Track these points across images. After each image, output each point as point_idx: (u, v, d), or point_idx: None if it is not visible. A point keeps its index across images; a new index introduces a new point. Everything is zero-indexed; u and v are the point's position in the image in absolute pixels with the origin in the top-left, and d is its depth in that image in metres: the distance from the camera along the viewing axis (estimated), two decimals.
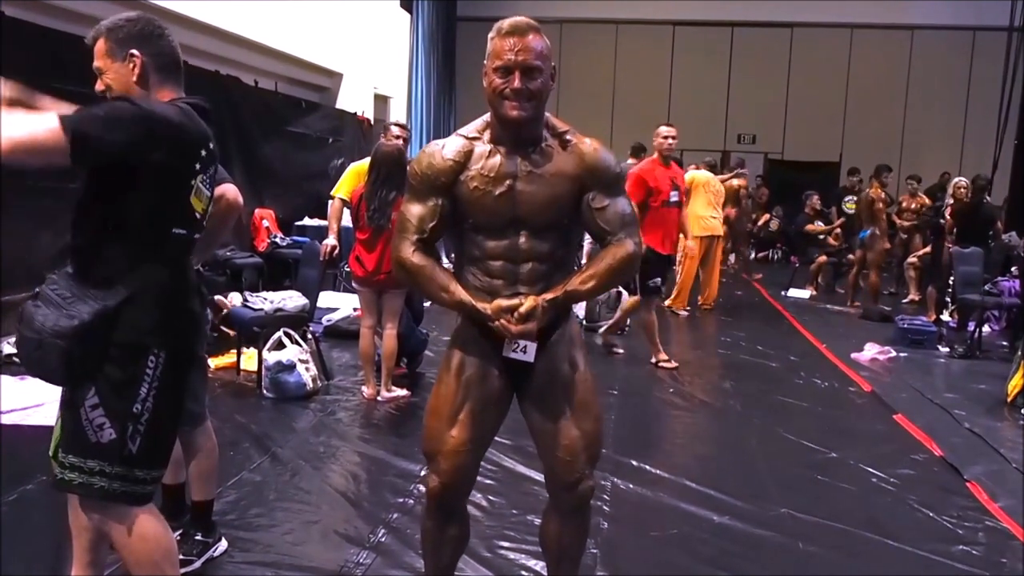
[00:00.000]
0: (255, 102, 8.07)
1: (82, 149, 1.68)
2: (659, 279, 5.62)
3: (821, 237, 10.38)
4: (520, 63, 1.91)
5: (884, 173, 8.93)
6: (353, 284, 5.01)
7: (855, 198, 9.91)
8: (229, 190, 2.56)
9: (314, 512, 3.12)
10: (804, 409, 4.94)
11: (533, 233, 2.01)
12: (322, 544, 2.86)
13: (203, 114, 1.98)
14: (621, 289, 7.03)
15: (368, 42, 11.16)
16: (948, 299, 7.72)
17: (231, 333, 5.36)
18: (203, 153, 1.95)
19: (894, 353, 6.44)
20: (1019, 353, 5.26)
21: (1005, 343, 7.14)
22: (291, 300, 4.88)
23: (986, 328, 7.36)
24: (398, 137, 4.96)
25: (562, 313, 2.08)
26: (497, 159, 2.00)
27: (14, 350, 3.88)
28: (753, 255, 12.79)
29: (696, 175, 8.40)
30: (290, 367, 4.56)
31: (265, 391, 4.60)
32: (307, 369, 4.65)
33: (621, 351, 6.13)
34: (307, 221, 8.75)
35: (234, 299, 5.04)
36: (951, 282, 7.46)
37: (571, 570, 2.23)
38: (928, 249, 9.40)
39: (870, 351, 6.40)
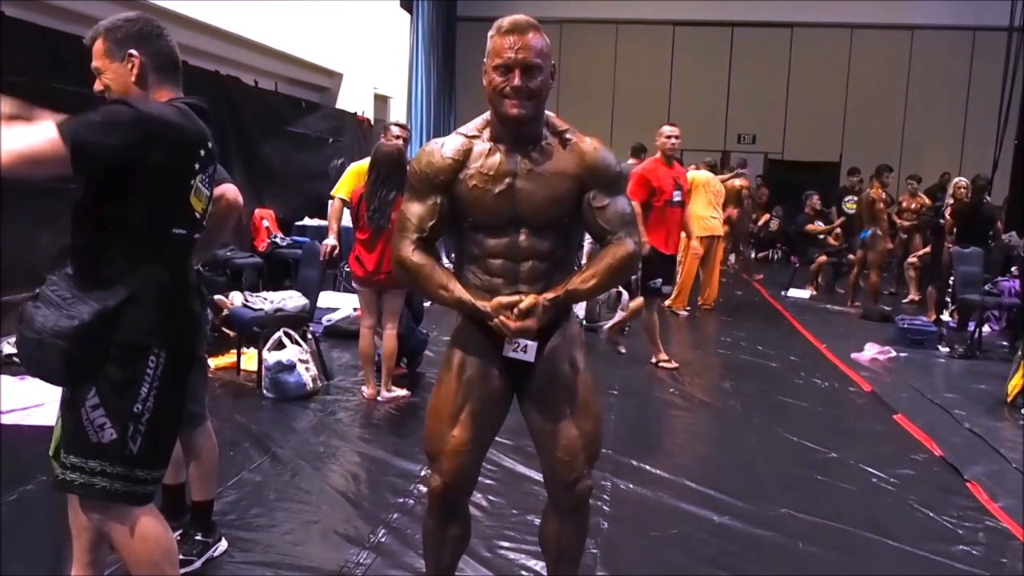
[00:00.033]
0: (255, 102, 8.07)
1: (82, 156, 1.68)
2: (660, 279, 5.61)
3: (821, 237, 10.38)
4: (520, 61, 1.91)
5: (885, 173, 8.93)
6: (353, 284, 5.01)
7: (855, 198, 9.91)
8: (229, 190, 2.55)
9: (314, 512, 3.12)
10: (804, 409, 4.94)
11: (533, 231, 2.01)
12: (322, 544, 2.86)
13: (201, 114, 1.98)
14: (621, 289, 7.04)
15: (368, 42, 11.16)
16: (948, 299, 7.72)
17: (231, 334, 5.36)
18: (202, 153, 1.95)
19: (894, 353, 6.44)
20: (1019, 353, 5.26)
21: (1005, 343, 7.14)
22: (291, 300, 4.88)
23: (986, 328, 7.36)
24: (398, 137, 4.96)
25: (562, 313, 2.08)
26: (497, 157, 2.00)
27: (14, 350, 3.89)
28: (753, 255, 12.79)
29: (696, 175, 8.40)
30: (290, 367, 4.56)
31: (265, 391, 4.60)
32: (307, 369, 4.65)
33: (624, 350, 6.13)
34: (307, 221, 8.76)
35: (235, 298, 5.04)
36: (951, 282, 7.46)
37: (571, 570, 2.23)
38: (928, 249, 9.40)
39: (870, 351, 6.40)
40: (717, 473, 3.72)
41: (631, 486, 3.51)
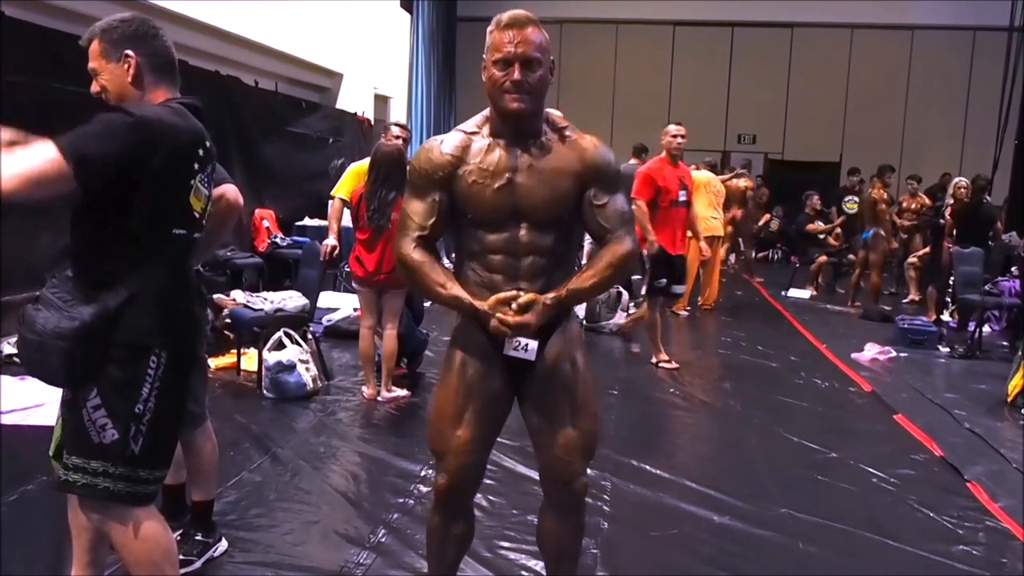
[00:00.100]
0: (255, 102, 8.07)
1: (85, 169, 1.68)
2: (665, 279, 5.59)
3: (821, 237, 10.38)
4: (519, 55, 1.91)
5: (887, 173, 8.93)
6: (353, 284, 5.01)
7: (855, 198, 9.91)
8: (229, 190, 2.55)
9: (314, 512, 3.12)
10: (804, 409, 4.94)
11: (533, 227, 2.00)
12: (322, 544, 2.86)
13: (197, 113, 1.98)
14: (621, 289, 7.04)
15: (368, 42, 11.16)
16: (948, 299, 7.72)
17: (230, 336, 5.36)
18: (200, 152, 1.95)
19: (894, 353, 6.44)
20: (1019, 353, 5.26)
21: (1005, 343, 7.14)
22: (291, 300, 4.88)
23: (986, 328, 7.36)
24: (398, 137, 4.96)
25: (563, 313, 2.08)
26: (496, 153, 2.00)
27: (14, 350, 3.89)
28: (753, 255, 12.79)
29: (697, 175, 8.38)
30: (290, 367, 4.56)
31: (265, 391, 4.60)
32: (307, 369, 4.65)
33: (638, 350, 6.12)
34: (307, 221, 8.76)
35: (236, 297, 5.04)
36: (951, 282, 7.46)
37: (570, 569, 2.23)
38: (928, 249, 9.40)
39: (870, 351, 6.40)
40: (717, 473, 3.72)
41: (631, 486, 3.51)
